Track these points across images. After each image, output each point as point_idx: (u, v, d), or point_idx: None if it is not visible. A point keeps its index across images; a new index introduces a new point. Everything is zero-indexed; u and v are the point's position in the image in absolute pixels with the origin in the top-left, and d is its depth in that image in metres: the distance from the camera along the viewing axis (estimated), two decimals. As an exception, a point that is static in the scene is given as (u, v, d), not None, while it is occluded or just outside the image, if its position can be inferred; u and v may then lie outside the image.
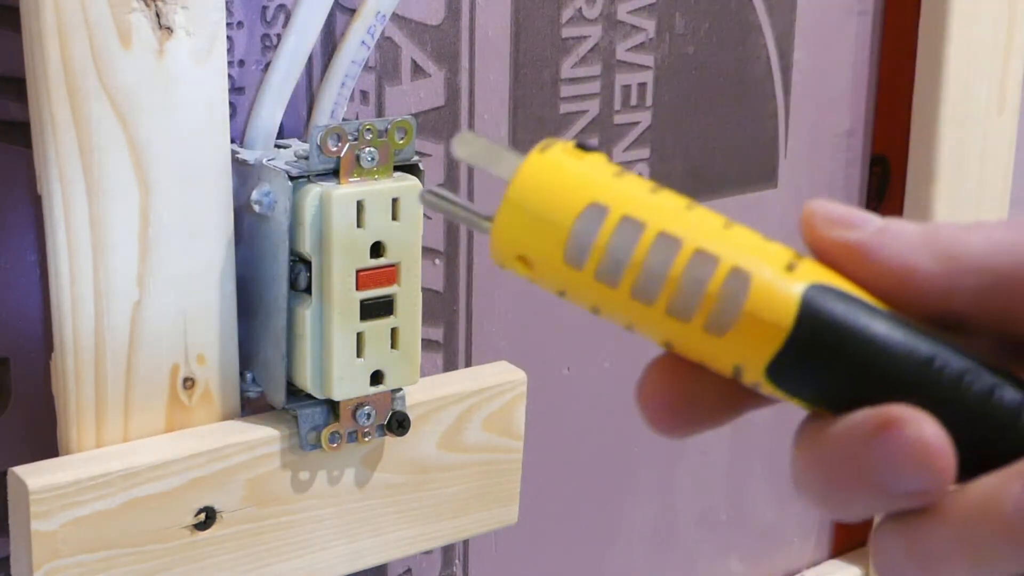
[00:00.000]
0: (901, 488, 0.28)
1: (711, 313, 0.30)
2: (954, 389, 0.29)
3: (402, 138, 0.53)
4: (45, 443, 0.53)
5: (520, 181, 0.31)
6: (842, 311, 0.29)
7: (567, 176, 0.31)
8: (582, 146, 0.31)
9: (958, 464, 0.29)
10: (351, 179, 0.52)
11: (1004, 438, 0.29)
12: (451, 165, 0.63)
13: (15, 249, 0.53)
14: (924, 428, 0.28)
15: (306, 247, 0.52)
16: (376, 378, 0.54)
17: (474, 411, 0.59)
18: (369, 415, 0.55)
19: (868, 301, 0.30)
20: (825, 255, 0.31)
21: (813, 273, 0.30)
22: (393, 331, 0.54)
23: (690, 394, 0.31)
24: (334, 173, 0.52)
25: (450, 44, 0.62)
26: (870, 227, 0.30)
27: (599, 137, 0.68)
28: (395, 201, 0.53)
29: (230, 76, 0.54)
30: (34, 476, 0.49)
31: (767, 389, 0.30)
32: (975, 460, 0.29)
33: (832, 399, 0.30)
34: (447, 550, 0.68)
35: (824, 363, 0.29)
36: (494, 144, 0.32)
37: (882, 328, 0.29)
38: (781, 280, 0.29)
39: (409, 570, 0.67)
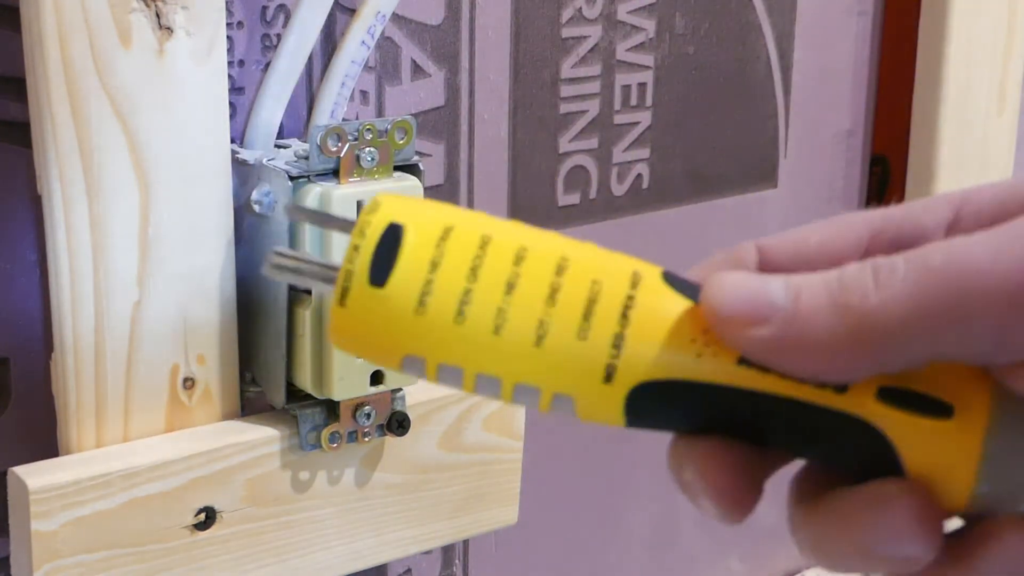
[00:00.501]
0: (892, 556, 0.30)
1: (553, 412, 0.31)
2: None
3: (402, 138, 0.53)
4: (45, 443, 0.53)
5: (334, 335, 0.32)
6: (664, 407, 0.31)
7: (372, 328, 0.31)
8: (378, 266, 0.31)
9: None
10: (351, 179, 0.52)
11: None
12: (451, 165, 0.63)
13: (15, 249, 0.53)
14: (913, 506, 0.30)
15: (306, 247, 0.52)
16: (376, 378, 0.54)
17: (474, 411, 0.59)
18: (369, 415, 0.55)
19: (688, 382, 0.31)
20: (744, 351, 0.31)
21: (632, 367, 0.31)
22: (393, 331, 0.54)
23: (738, 481, 0.32)
24: (334, 173, 0.52)
25: (450, 44, 0.62)
26: (778, 316, 0.30)
27: (599, 137, 0.68)
28: (395, 201, 0.53)
29: (230, 76, 0.54)
30: (34, 476, 0.49)
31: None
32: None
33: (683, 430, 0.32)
34: (447, 550, 0.68)
35: (661, 428, 0.32)
36: (309, 261, 0.33)
37: (699, 406, 0.31)
38: (600, 395, 0.31)
39: (409, 570, 0.67)
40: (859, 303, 0.29)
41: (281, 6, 0.56)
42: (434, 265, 0.31)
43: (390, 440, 0.57)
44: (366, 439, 0.56)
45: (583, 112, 0.67)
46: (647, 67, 0.69)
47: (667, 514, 0.77)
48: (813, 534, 0.32)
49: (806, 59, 0.76)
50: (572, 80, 0.66)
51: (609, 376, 0.31)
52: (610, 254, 0.33)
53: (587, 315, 0.31)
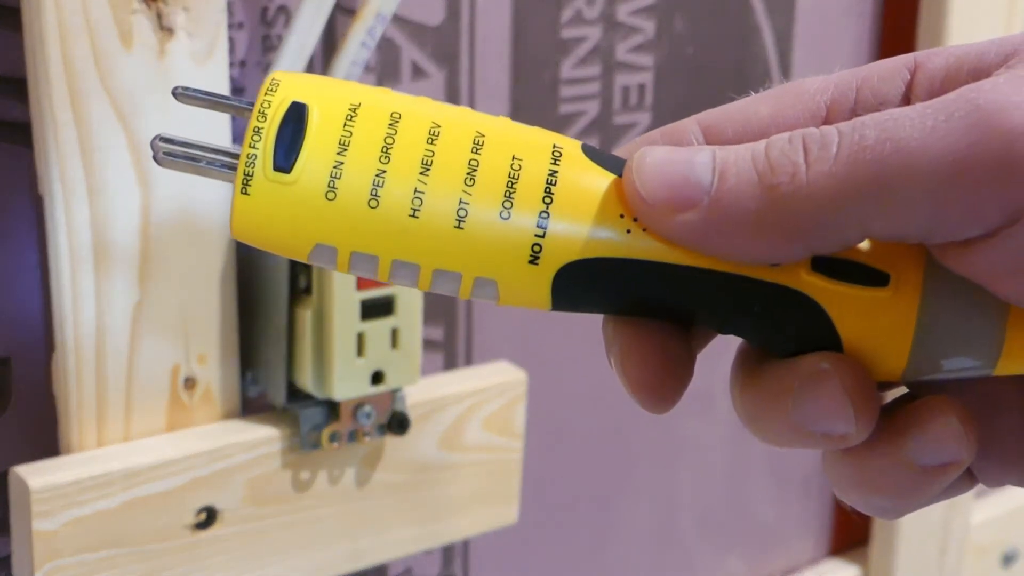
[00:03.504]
0: (827, 431, 0.29)
1: (474, 298, 0.30)
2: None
3: (402, 139, 0.53)
4: (46, 443, 0.53)
5: (236, 225, 0.29)
6: (591, 287, 0.30)
7: (280, 218, 0.29)
8: (280, 150, 0.29)
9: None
10: (351, 179, 0.52)
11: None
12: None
13: (16, 249, 0.53)
14: (847, 378, 0.29)
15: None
16: (376, 378, 0.54)
17: (474, 411, 0.59)
18: (369, 415, 0.55)
19: (611, 259, 0.29)
20: (671, 236, 0.29)
21: (554, 248, 0.29)
22: (393, 331, 0.54)
23: (660, 372, 0.31)
24: (334, 174, 0.52)
25: (450, 45, 0.62)
26: (704, 200, 0.29)
27: (599, 137, 0.68)
28: (395, 201, 0.53)
29: (231, 77, 0.54)
30: (35, 476, 0.49)
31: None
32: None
33: (613, 312, 0.31)
34: (447, 550, 0.68)
35: (588, 310, 0.31)
36: (203, 147, 0.30)
37: (626, 285, 0.30)
38: (525, 278, 0.29)
39: (409, 570, 0.67)
40: (788, 182, 0.28)
41: (282, 7, 0.56)
42: (343, 146, 0.29)
43: (390, 440, 0.58)
44: (366, 439, 0.56)
45: (583, 113, 0.67)
46: (647, 68, 0.69)
47: (667, 514, 0.77)
48: (750, 408, 0.31)
49: (806, 59, 0.76)
50: (572, 81, 0.66)
51: (535, 257, 0.29)
52: (527, 128, 0.31)
53: (508, 194, 0.29)
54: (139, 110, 0.50)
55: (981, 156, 0.26)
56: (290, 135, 0.29)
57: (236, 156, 0.29)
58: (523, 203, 0.29)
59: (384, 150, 0.29)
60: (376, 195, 0.29)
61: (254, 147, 0.29)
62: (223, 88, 0.52)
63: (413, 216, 0.29)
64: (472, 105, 0.63)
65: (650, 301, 0.30)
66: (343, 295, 0.53)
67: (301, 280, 0.53)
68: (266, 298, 0.54)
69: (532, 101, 0.65)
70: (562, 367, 0.70)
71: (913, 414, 0.30)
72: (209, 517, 0.53)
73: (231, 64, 0.55)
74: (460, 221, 0.29)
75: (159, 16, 0.49)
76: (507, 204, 0.29)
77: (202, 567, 0.54)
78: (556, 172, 0.30)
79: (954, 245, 0.28)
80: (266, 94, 0.29)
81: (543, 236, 0.29)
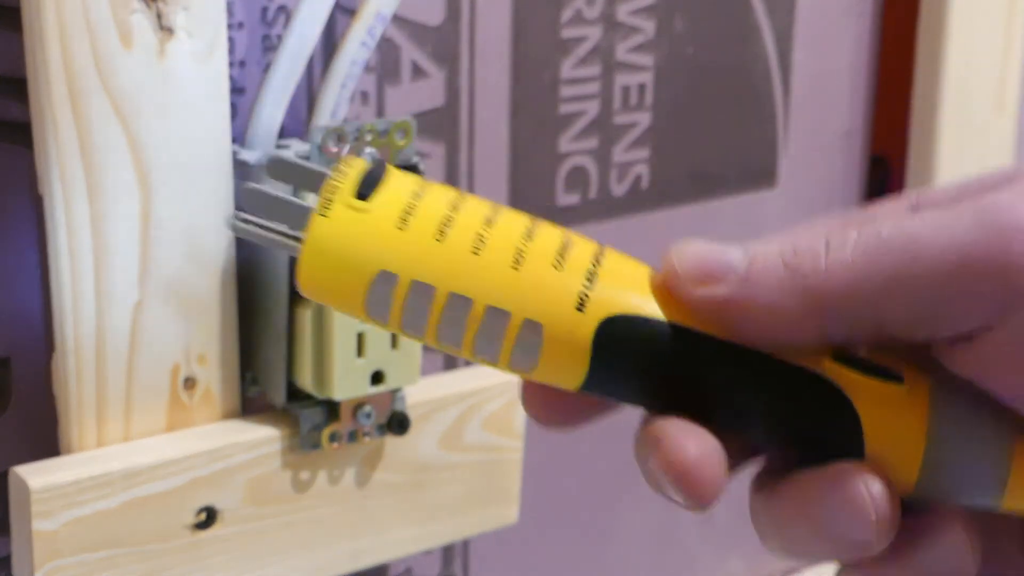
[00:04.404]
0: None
1: (513, 360, 0.31)
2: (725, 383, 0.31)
3: (402, 139, 0.53)
4: (46, 443, 0.53)
5: (309, 248, 0.31)
6: (630, 343, 0.31)
7: (350, 242, 0.31)
8: (365, 185, 0.32)
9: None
10: (351, 179, 0.52)
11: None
12: (451, 166, 0.64)
13: (16, 249, 0.53)
14: (686, 438, 0.31)
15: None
16: (376, 378, 0.54)
17: (474, 411, 0.59)
18: (369, 415, 0.55)
19: (658, 321, 0.31)
20: (697, 312, 0.32)
21: (602, 302, 0.31)
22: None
23: (558, 401, 0.33)
24: (334, 173, 0.52)
25: (450, 45, 0.62)
26: (732, 277, 0.31)
27: (599, 137, 0.68)
28: (395, 201, 0.53)
29: (231, 77, 0.54)
30: (35, 476, 0.49)
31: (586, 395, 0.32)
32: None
33: (647, 405, 0.32)
34: (447, 550, 0.68)
35: (626, 382, 0.32)
36: (278, 196, 0.33)
37: (667, 351, 0.31)
38: (570, 323, 0.31)
39: (409, 570, 0.67)
40: (810, 267, 0.30)
41: (282, 7, 0.56)
42: (416, 195, 0.32)
43: (390, 440, 0.58)
44: (366, 439, 0.56)
45: (583, 113, 0.67)
46: (647, 68, 0.69)
47: (667, 514, 0.77)
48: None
49: (806, 59, 0.76)
50: (572, 81, 0.66)
51: (581, 304, 0.31)
52: (557, 227, 0.33)
53: (562, 252, 0.32)
54: (139, 110, 0.50)
55: (983, 250, 0.29)
56: (372, 178, 0.32)
57: (309, 211, 0.32)
58: (574, 262, 0.32)
59: (452, 206, 0.32)
60: (444, 232, 0.31)
61: (338, 180, 0.32)
62: (223, 88, 0.52)
63: (475, 253, 0.31)
64: (472, 105, 0.63)
65: (681, 376, 0.31)
66: (343, 295, 0.53)
67: (301, 280, 0.53)
68: (266, 298, 0.54)
69: (532, 101, 0.65)
70: (562, 367, 0.70)
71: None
72: (209, 517, 0.53)
73: (231, 64, 0.55)
74: (517, 263, 0.31)
75: (159, 16, 0.49)
76: (559, 259, 0.31)
77: (202, 567, 0.54)
78: (603, 251, 0.33)
79: (959, 343, 0.30)
80: (347, 161, 0.33)
81: (590, 288, 0.31)
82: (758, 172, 0.76)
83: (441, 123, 0.63)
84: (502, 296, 0.31)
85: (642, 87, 0.69)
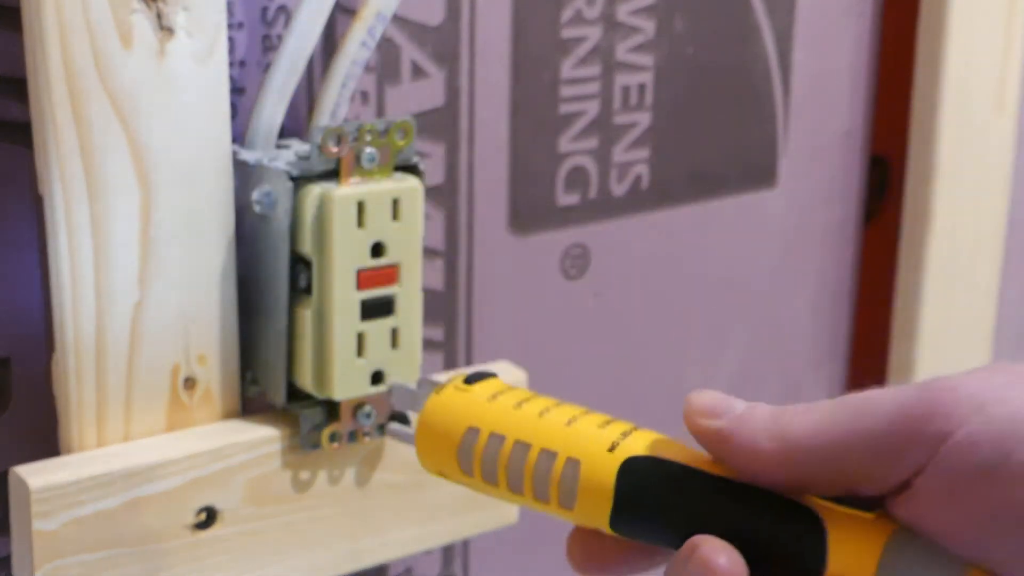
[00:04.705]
0: None
1: (560, 495, 0.40)
2: (741, 521, 0.38)
3: (402, 139, 0.53)
4: (46, 443, 0.53)
5: (423, 419, 0.43)
6: (648, 477, 0.39)
7: (452, 410, 0.43)
8: (470, 379, 0.43)
9: None
10: (351, 180, 0.52)
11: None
12: (451, 165, 0.64)
13: (16, 249, 0.53)
14: (717, 552, 0.37)
15: (306, 247, 0.52)
16: (376, 378, 0.54)
17: (474, 411, 0.59)
18: (369, 415, 0.55)
19: (671, 461, 0.39)
20: (699, 439, 0.39)
21: (630, 448, 0.39)
22: (393, 331, 0.54)
23: (601, 555, 0.42)
24: (335, 173, 0.52)
25: (450, 45, 0.62)
26: (731, 415, 0.38)
27: (599, 137, 0.68)
28: (396, 202, 0.53)
29: (231, 77, 0.54)
30: (35, 476, 0.49)
31: (622, 538, 0.40)
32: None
33: (666, 540, 0.39)
34: (447, 550, 0.68)
35: (645, 515, 0.39)
36: (411, 389, 0.48)
37: (679, 483, 0.39)
38: (602, 460, 0.39)
39: (409, 570, 0.67)
40: (789, 418, 0.38)
41: (282, 7, 0.56)
42: (510, 387, 0.43)
43: (390, 440, 0.58)
44: (366, 439, 0.56)
45: (583, 112, 0.67)
46: (647, 68, 0.69)
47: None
48: None
49: (806, 59, 0.76)
50: (572, 81, 0.66)
51: (613, 447, 0.39)
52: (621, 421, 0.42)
53: (608, 422, 0.41)
54: (139, 110, 0.50)
55: (917, 405, 0.36)
56: (479, 375, 0.44)
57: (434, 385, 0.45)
58: (616, 427, 0.41)
59: (535, 394, 0.43)
60: (520, 405, 0.42)
61: (452, 381, 0.44)
62: (223, 88, 0.52)
63: (540, 416, 0.41)
64: (472, 105, 0.63)
65: (689, 507, 0.38)
66: (343, 295, 0.53)
67: (301, 280, 0.53)
68: (266, 298, 0.54)
69: (532, 101, 0.65)
70: (562, 367, 0.70)
71: None
72: (209, 517, 0.53)
73: (231, 64, 0.55)
74: (570, 423, 0.41)
75: (159, 16, 0.50)
76: (604, 424, 0.41)
77: (202, 567, 0.54)
78: (641, 429, 0.41)
79: (902, 493, 0.37)
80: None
81: (622, 440, 0.40)
82: (758, 172, 0.76)
83: (441, 123, 0.63)
84: (553, 441, 0.40)
85: (642, 87, 0.69)
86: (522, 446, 0.40)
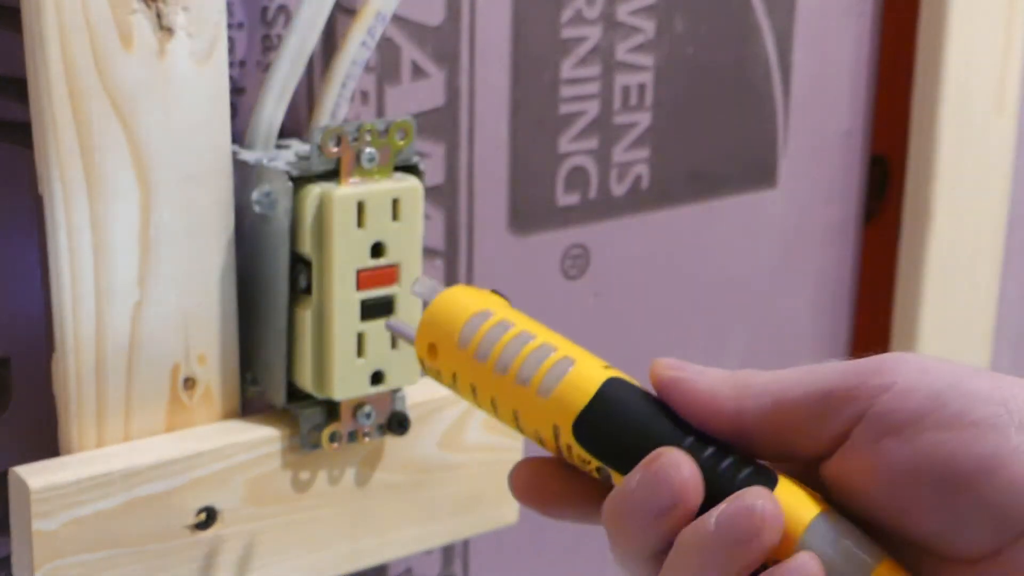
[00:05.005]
0: (660, 504, 0.38)
1: (542, 381, 0.41)
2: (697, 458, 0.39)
3: (402, 139, 0.53)
4: (46, 443, 0.53)
5: (442, 296, 0.43)
6: (627, 396, 0.40)
7: (474, 296, 0.43)
8: (494, 291, 0.44)
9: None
10: (351, 180, 0.52)
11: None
12: (451, 165, 0.63)
13: (16, 249, 0.53)
14: (680, 462, 0.38)
15: (306, 247, 0.52)
16: (376, 378, 0.54)
17: (474, 411, 0.59)
18: (369, 415, 0.55)
19: (651, 395, 0.40)
20: (660, 386, 0.40)
21: (615, 372, 0.41)
22: (393, 331, 0.54)
23: (543, 485, 0.42)
24: (334, 173, 0.52)
25: (450, 45, 0.62)
26: (692, 370, 0.40)
27: (599, 137, 0.68)
28: (395, 202, 0.53)
29: (231, 77, 0.54)
30: (35, 476, 0.49)
31: (575, 448, 0.40)
32: None
33: (617, 460, 0.40)
34: (447, 550, 0.68)
35: (611, 429, 0.40)
36: (437, 284, 0.46)
37: (652, 412, 0.40)
38: (595, 368, 0.41)
39: (409, 570, 0.67)
40: (745, 375, 0.40)
41: (282, 7, 0.56)
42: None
43: (390, 440, 0.57)
44: (366, 439, 0.56)
45: (583, 112, 0.67)
46: (647, 68, 0.69)
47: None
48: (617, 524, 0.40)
49: (806, 59, 0.76)
50: (572, 81, 0.66)
51: (607, 367, 0.42)
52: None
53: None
54: (139, 110, 0.50)
55: (859, 375, 0.38)
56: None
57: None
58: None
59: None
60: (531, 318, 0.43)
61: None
62: (223, 88, 0.52)
63: (553, 331, 0.43)
64: (472, 105, 0.63)
65: (655, 436, 0.40)
66: (343, 295, 0.53)
67: (301, 280, 0.53)
68: (266, 298, 0.54)
69: (532, 101, 0.65)
70: (562, 367, 0.70)
71: None
72: (209, 517, 0.53)
73: (231, 64, 0.55)
74: (575, 342, 0.42)
75: (159, 16, 0.49)
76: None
77: (202, 567, 0.54)
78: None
79: (830, 461, 0.38)
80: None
81: (610, 369, 0.42)
82: (758, 172, 0.76)
83: (441, 123, 0.63)
84: (558, 342, 0.42)
85: (642, 87, 0.69)
86: (528, 335, 0.42)
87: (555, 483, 0.42)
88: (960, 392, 0.37)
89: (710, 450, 0.39)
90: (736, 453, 0.39)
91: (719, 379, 0.40)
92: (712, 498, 0.38)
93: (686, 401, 0.40)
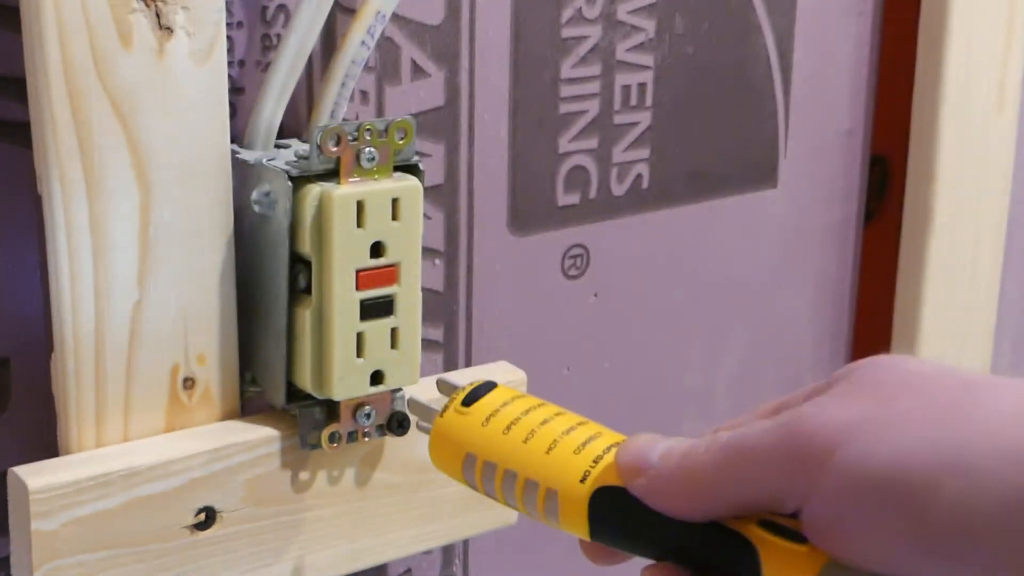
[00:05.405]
0: None
1: (546, 516, 0.45)
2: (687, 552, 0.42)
3: (402, 138, 0.53)
4: (45, 443, 0.53)
5: (432, 440, 0.49)
6: (613, 511, 0.43)
7: (453, 435, 0.48)
8: (468, 399, 0.48)
9: None
10: (351, 179, 0.52)
11: None
12: (451, 165, 0.63)
13: (15, 249, 0.53)
14: None
15: (306, 247, 0.52)
16: (376, 378, 0.54)
17: (474, 411, 0.59)
18: (369, 415, 0.55)
19: (622, 487, 0.43)
20: (633, 492, 0.43)
21: (600, 477, 0.44)
22: (393, 331, 0.54)
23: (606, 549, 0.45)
24: (334, 173, 0.52)
25: (450, 44, 0.62)
26: (650, 472, 0.42)
27: (599, 137, 0.68)
28: (395, 201, 0.53)
29: (230, 76, 0.54)
30: (34, 476, 0.49)
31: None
32: None
33: (638, 554, 0.43)
34: (447, 550, 0.68)
35: (615, 539, 0.44)
36: (427, 405, 0.52)
37: (637, 516, 0.43)
38: (575, 492, 0.44)
39: (409, 570, 0.67)
40: (691, 464, 0.41)
41: (281, 6, 0.56)
42: (504, 403, 0.48)
43: (390, 440, 0.57)
44: (366, 439, 0.56)
45: (583, 112, 0.67)
46: (647, 67, 0.69)
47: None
48: None
49: (806, 59, 0.76)
50: (572, 80, 0.66)
51: (584, 478, 0.44)
52: (598, 427, 0.46)
53: (584, 444, 0.45)
54: (138, 109, 0.50)
55: (787, 447, 0.39)
56: (476, 392, 0.49)
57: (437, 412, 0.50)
58: (591, 450, 0.45)
59: (525, 411, 0.47)
60: (509, 428, 0.47)
61: (456, 394, 0.49)
62: (223, 87, 0.52)
63: (524, 442, 0.46)
64: (472, 105, 0.63)
65: (650, 538, 0.43)
66: (343, 295, 0.52)
67: (301, 280, 0.53)
68: (266, 298, 0.54)
69: (532, 100, 0.65)
70: (562, 367, 0.70)
71: None
72: (208, 517, 0.53)
73: (230, 63, 0.55)
74: (550, 450, 0.45)
75: (158, 15, 0.49)
76: (580, 448, 0.45)
77: (202, 567, 0.54)
78: (613, 446, 0.45)
79: (802, 519, 0.39)
80: (469, 385, 0.50)
81: (594, 468, 0.44)
82: (759, 172, 0.76)
83: (441, 123, 0.63)
84: (535, 472, 0.45)
85: (642, 87, 0.69)
86: (511, 474, 0.46)
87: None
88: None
89: (693, 540, 0.42)
90: (720, 533, 0.41)
91: (672, 481, 0.42)
92: None
93: (658, 506, 0.42)
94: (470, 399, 0.48)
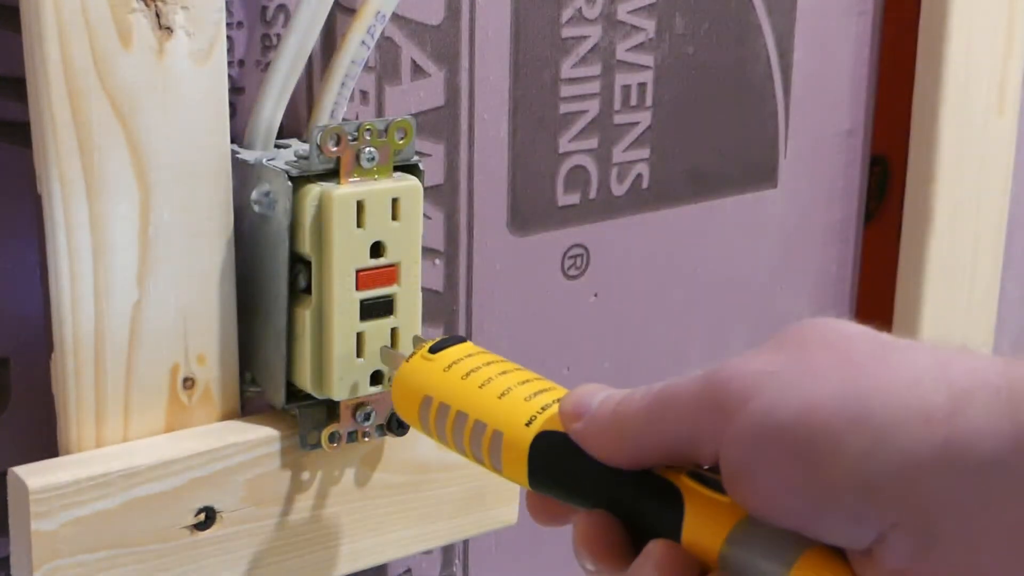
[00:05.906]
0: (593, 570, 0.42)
1: (491, 459, 0.46)
2: (620, 494, 0.42)
3: (402, 138, 0.53)
4: (45, 443, 0.53)
5: (395, 384, 0.50)
6: (551, 453, 0.44)
7: (415, 379, 0.49)
8: (436, 347, 0.49)
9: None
10: (351, 179, 0.52)
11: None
12: (451, 165, 0.63)
13: (15, 249, 0.53)
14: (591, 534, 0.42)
15: (306, 247, 0.52)
16: (376, 378, 0.54)
17: (474, 411, 0.59)
18: (369, 415, 0.55)
19: (572, 440, 0.43)
20: (571, 436, 0.43)
21: (544, 422, 0.45)
22: (393, 331, 0.54)
23: (549, 506, 0.46)
24: (334, 173, 0.52)
25: (450, 44, 0.62)
26: (587, 416, 0.43)
27: (599, 137, 0.68)
28: (395, 201, 0.53)
29: (230, 76, 0.54)
30: (34, 476, 0.49)
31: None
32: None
33: (573, 503, 0.44)
34: (447, 550, 0.68)
35: (552, 483, 0.44)
36: (397, 353, 0.53)
37: (573, 460, 0.43)
38: (519, 434, 0.45)
39: (409, 570, 0.67)
40: (623, 409, 0.42)
41: (281, 6, 0.56)
42: (468, 355, 0.49)
43: (390, 440, 0.57)
44: (366, 439, 0.56)
45: (583, 112, 0.67)
46: (647, 67, 0.69)
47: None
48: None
49: (806, 59, 0.76)
50: (572, 80, 0.66)
51: (530, 422, 0.45)
52: (555, 385, 0.47)
53: (536, 394, 0.46)
54: (138, 109, 0.50)
55: (706, 395, 0.40)
56: (443, 343, 0.49)
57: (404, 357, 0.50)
58: (540, 399, 0.46)
59: (486, 363, 0.48)
60: (467, 376, 0.47)
61: (424, 346, 0.50)
62: (222, 87, 0.52)
63: (479, 388, 0.47)
64: (472, 104, 0.63)
65: (584, 484, 0.43)
66: (342, 295, 0.52)
67: (300, 280, 0.53)
68: (265, 298, 0.54)
69: (532, 100, 0.65)
70: (562, 367, 0.70)
71: None
72: (208, 517, 0.53)
73: (230, 63, 0.55)
74: (502, 396, 0.46)
75: (158, 15, 0.49)
76: (531, 396, 0.46)
77: (201, 567, 0.54)
78: (559, 399, 0.45)
79: (721, 468, 0.39)
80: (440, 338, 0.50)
81: (540, 415, 0.45)
82: (759, 172, 0.76)
83: (441, 123, 0.63)
84: (484, 414, 0.46)
85: (642, 87, 0.69)
86: (462, 415, 0.46)
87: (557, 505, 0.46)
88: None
89: (623, 487, 0.42)
90: (650, 481, 0.42)
91: (607, 425, 0.42)
92: (632, 521, 0.42)
93: (591, 450, 0.43)
94: (437, 348, 0.49)
